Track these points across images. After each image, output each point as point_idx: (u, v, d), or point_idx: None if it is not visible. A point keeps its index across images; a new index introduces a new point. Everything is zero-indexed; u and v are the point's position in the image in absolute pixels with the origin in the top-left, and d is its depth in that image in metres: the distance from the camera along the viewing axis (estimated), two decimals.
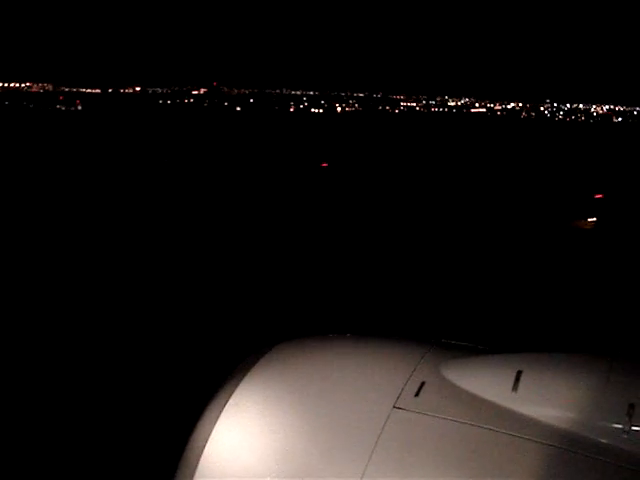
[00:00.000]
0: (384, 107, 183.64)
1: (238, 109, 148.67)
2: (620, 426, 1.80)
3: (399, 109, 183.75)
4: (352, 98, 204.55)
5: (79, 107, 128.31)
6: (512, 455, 1.79)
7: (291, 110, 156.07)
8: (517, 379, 1.99)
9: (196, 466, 1.98)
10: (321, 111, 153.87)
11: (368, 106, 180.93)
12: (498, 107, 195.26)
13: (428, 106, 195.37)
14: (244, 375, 2.20)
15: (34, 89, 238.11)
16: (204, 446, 2.01)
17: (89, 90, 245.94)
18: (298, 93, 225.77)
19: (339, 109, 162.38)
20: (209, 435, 2.03)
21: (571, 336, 11.19)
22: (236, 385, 2.16)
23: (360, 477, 1.80)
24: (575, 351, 2.17)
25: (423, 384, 2.07)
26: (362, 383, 2.13)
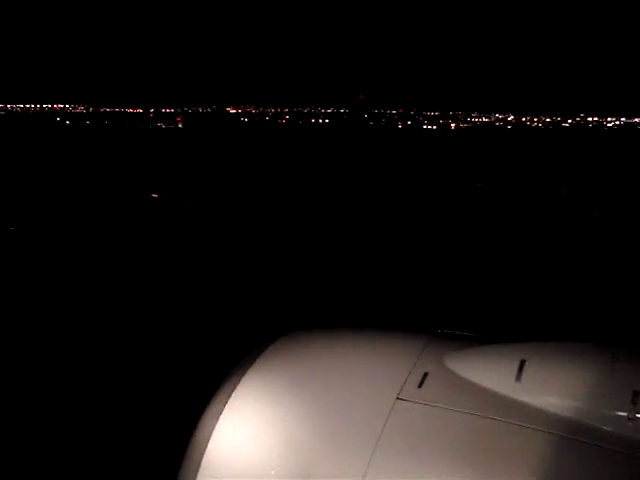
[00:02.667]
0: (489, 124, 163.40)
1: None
2: (624, 413, 1.76)
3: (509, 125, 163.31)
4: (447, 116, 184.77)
5: (180, 125, 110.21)
6: (516, 444, 1.75)
7: (399, 126, 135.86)
8: (520, 368, 1.95)
9: (199, 462, 1.94)
10: (434, 127, 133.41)
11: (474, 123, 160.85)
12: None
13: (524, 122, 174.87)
14: (246, 370, 2.15)
15: (78, 109, 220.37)
16: (207, 442, 1.96)
17: (130, 110, 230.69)
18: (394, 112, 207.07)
19: (453, 125, 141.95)
20: (212, 431, 1.98)
21: None
22: (239, 380, 2.11)
23: (365, 469, 1.77)
24: (578, 339, 2.13)
25: (426, 375, 2.03)
26: (365, 375, 2.09)
